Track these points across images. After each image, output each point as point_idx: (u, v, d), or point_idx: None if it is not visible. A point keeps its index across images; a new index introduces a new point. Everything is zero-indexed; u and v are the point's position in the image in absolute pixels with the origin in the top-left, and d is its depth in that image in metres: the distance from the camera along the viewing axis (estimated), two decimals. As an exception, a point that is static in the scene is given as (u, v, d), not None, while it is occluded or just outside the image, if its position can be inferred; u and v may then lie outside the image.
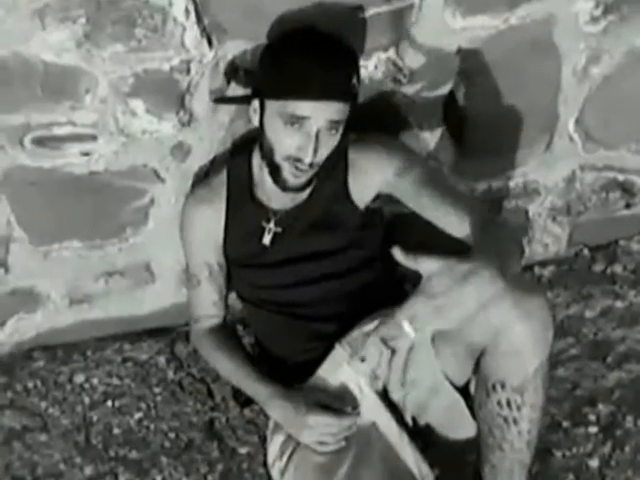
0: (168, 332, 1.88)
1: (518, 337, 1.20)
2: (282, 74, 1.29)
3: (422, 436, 1.47)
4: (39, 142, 1.51)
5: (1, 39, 1.35)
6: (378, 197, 1.47)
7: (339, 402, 1.44)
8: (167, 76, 1.44)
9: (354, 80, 1.32)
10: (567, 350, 1.81)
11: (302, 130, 1.29)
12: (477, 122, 1.68)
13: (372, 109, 1.60)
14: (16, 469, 1.63)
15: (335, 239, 1.47)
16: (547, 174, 1.85)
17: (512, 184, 1.84)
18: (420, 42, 1.53)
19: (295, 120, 1.28)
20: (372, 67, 1.54)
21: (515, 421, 1.30)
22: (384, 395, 1.45)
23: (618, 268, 1.99)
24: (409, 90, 1.61)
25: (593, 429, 1.65)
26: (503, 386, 1.26)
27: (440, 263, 1.10)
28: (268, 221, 1.47)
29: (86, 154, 1.54)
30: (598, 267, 2.01)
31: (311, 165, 1.33)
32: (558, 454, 1.60)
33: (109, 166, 1.57)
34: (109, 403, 1.75)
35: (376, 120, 1.60)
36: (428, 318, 1.11)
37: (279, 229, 1.47)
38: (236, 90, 1.50)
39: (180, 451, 1.65)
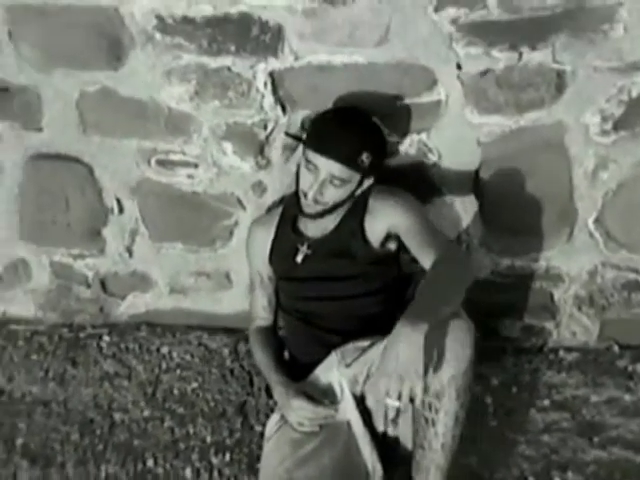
0: (236, 332, 2.35)
1: (439, 351, 1.50)
2: (313, 132, 1.76)
3: (392, 449, 1.76)
4: (161, 163, 2.06)
5: (143, 88, 1.93)
6: (389, 237, 1.82)
7: (323, 397, 1.77)
8: (249, 129, 1.94)
9: (363, 156, 1.68)
10: (559, 422, 1.96)
11: (313, 174, 1.72)
12: (499, 204, 1.95)
13: (408, 178, 1.94)
14: (99, 399, 2.18)
15: (350, 268, 1.83)
16: (569, 263, 2.04)
17: (535, 266, 2.05)
18: (446, 130, 1.87)
19: (310, 165, 1.72)
20: (407, 145, 1.91)
21: (433, 422, 1.56)
22: (361, 399, 1.76)
23: (640, 368, 2.10)
24: (441, 166, 1.93)
25: (556, 492, 1.79)
26: (427, 390, 1.53)
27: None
28: (302, 244, 1.88)
29: (191, 177, 2.07)
30: (621, 363, 2.11)
31: (316, 202, 1.74)
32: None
33: (207, 189, 2.08)
34: (177, 372, 2.25)
35: (411, 187, 1.91)
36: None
37: (309, 252, 1.87)
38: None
39: (214, 417, 2.09)
